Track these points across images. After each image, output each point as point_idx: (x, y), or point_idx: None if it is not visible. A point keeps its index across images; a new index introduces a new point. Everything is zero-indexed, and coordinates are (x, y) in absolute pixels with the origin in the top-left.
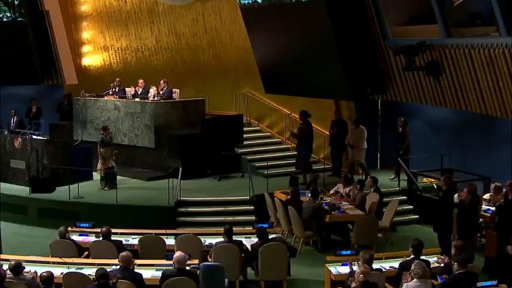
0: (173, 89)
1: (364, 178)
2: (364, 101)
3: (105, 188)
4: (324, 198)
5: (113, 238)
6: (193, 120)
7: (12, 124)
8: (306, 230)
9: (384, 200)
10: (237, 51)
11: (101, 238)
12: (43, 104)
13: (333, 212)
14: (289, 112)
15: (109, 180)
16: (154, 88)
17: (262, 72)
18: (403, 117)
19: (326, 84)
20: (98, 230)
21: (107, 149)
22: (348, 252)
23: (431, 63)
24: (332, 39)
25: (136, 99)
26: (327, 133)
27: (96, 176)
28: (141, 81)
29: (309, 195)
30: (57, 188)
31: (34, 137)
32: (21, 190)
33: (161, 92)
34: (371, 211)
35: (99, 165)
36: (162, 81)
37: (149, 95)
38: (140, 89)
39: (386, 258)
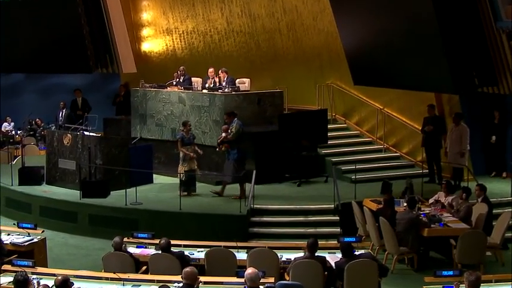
0: (241, 79)
1: (456, 183)
2: (471, 95)
3: (184, 194)
4: (422, 209)
5: (174, 251)
6: (270, 116)
7: (60, 118)
8: (401, 245)
9: (494, 211)
10: (321, 35)
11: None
12: (96, 96)
13: (432, 225)
14: (381, 107)
15: (188, 185)
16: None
17: (350, 60)
18: (499, 110)
19: (426, 74)
20: (158, 241)
21: (187, 149)
22: (450, 272)
23: None
24: (434, 21)
25: (204, 91)
26: None
27: (159, 178)
28: (210, 70)
29: (405, 204)
30: (111, 192)
31: (86, 133)
32: (70, 194)
33: (212, 83)
34: (478, 224)
35: (179, 167)
36: (221, 71)
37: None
38: (211, 80)
39: (496, 281)
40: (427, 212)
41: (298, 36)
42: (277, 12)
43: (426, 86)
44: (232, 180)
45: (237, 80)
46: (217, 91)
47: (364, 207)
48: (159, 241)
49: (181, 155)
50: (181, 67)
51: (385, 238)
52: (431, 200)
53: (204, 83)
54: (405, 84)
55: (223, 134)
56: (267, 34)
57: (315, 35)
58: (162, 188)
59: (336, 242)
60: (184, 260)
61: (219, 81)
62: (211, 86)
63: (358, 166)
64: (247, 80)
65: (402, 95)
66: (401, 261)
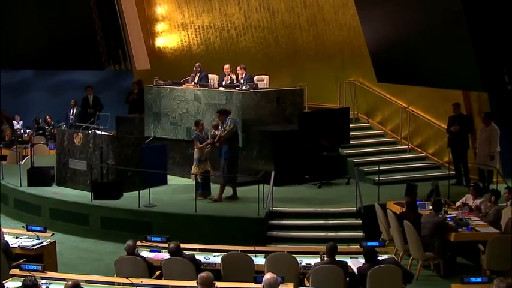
0: (260, 76)
1: (485, 185)
2: (501, 92)
3: (200, 198)
4: (449, 212)
5: (189, 255)
6: (289, 114)
7: (71, 116)
8: (426, 250)
9: None
10: (342, 30)
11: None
12: (109, 94)
13: (459, 229)
14: (406, 105)
15: (203, 187)
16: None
17: (373, 56)
18: None
19: (453, 71)
20: (167, 245)
21: (202, 149)
22: (479, 279)
23: None
24: (462, 15)
25: (221, 88)
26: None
27: (173, 179)
28: (226, 66)
29: (430, 207)
30: (124, 194)
31: (98, 132)
32: (81, 196)
33: (229, 80)
34: (508, 229)
35: (194, 169)
36: (239, 67)
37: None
38: (229, 76)
39: None
40: (454, 215)
41: (319, 31)
42: (297, 6)
43: (453, 83)
44: (223, 181)
45: (255, 77)
46: (235, 88)
47: (388, 210)
48: (168, 245)
49: (195, 156)
50: (198, 64)
51: (409, 243)
52: (458, 203)
53: (220, 80)
54: (431, 82)
55: (216, 132)
56: (286, 29)
57: (336, 30)
58: (176, 190)
59: (358, 246)
60: (195, 264)
61: (237, 78)
62: (228, 83)
63: (382, 167)
64: (265, 77)
65: (428, 92)
66: (427, 267)
